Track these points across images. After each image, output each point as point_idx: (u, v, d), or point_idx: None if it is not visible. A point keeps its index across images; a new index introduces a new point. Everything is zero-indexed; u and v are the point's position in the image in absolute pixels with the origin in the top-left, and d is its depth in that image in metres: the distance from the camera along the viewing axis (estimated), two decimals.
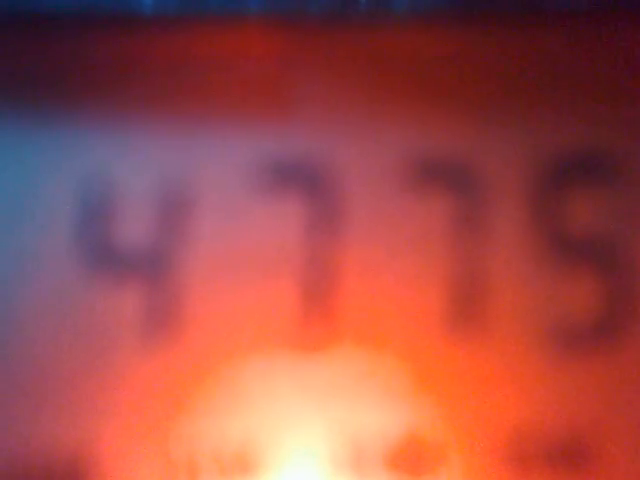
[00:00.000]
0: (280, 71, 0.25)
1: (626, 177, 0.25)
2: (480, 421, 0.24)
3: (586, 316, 0.25)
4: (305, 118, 0.25)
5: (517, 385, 0.24)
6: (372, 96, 0.25)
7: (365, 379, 0.25)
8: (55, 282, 0.24)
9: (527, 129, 0.25)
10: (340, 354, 0.25)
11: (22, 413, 0.24)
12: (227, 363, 0.24)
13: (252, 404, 0.24)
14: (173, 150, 0.25)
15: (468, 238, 0.25)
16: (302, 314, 0.24)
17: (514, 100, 0.25)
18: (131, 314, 0.24)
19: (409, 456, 0.24)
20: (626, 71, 0.25)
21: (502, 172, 0.25)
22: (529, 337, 0.24)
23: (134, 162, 0.25)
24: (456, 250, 0.25)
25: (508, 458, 0.24)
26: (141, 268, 0.24)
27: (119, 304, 0.24)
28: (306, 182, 0.25)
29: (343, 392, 0.25)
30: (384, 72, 0.25)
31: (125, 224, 0.25)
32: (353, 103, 0.25)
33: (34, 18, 0.24)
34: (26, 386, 0.24)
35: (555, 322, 0.24)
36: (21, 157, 0.25)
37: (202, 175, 0.25)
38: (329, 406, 0.24)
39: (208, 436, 0.24)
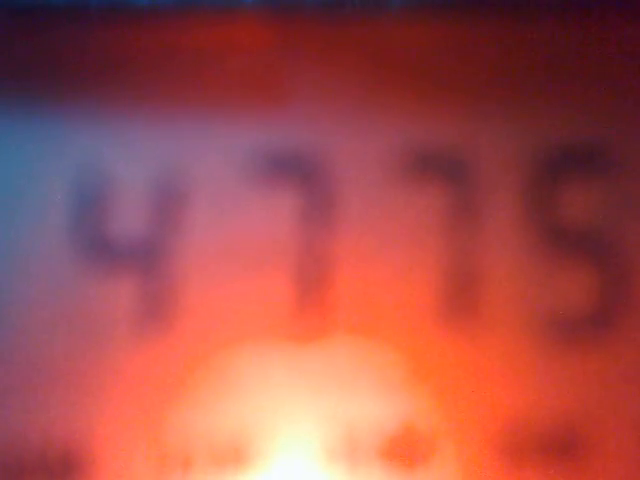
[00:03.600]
0: (275, 63, 0.25)
1: (620, 169, 0.25)
2: (474, 412, 0.24)
3: (580, 307, 0.25)
4: (300, 110, 0.25)
5: (511, 376, 0.24)
6: (367, 88, 0.25)
7: (359, 370, 0.25)
8: (49, 273, 0.24)
9: (522, 121, 0.25)
10: (334, 345, 0.25)
11: (15, 404, 0.24)
12: (221, 354, 0.24)
13: (246, 394, 0.24)
14: (168, 141, 0.25)
15: (462, 229, 0.25)
16: (296, 305, 0.24)
17: (509, 92, 0.25)
18: (125, 305, 0.24)
19: (403, 447, 0.24)
20: (621, 63, 0.25)
21: (497, 163, 0.25)
22: (523, 328, 0.24)
23: (129, 153, 0.25)
24: (450, 241, 0.25)
25: (502, 449, 0.24)
26: (135, 259, 0.24)
27: (113, 295, 0.24)
28: (301, 173, 0.25)
29: (337, 383, 0.25)
30: (379, 64, 0.25)
31: (120, 215, 0.25)
32: (348, 95, 0.25)
33: (28, 8, 0.24)
34: (19, 377, 0.24)
35: (549, 313, 0.25)
36: (15, 148, 0.25)
37: (196, 166, 0.25)
38: (323, 397, 0.24)
39: (202, 426, 0.24)
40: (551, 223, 0.25)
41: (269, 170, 0.25)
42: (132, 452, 0.24)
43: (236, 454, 0.24)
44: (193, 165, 0.25)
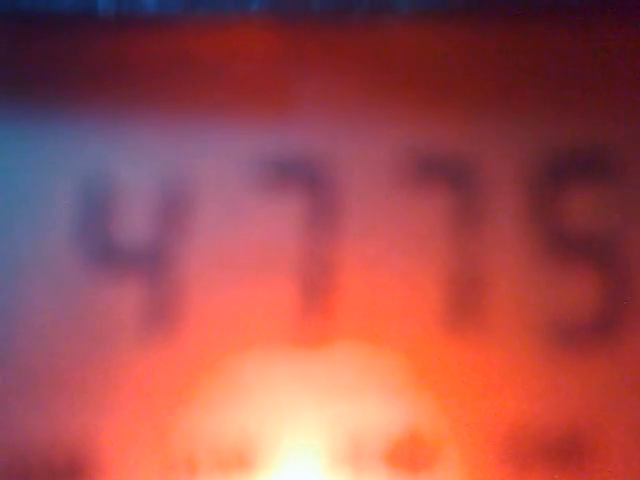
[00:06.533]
0: (281, 69, 0.25)
1: (624, 173, 0.25)
2: (478, 417, 0.24)
3: (584, 312, 0.25)
4: (304, 115, 0.25)
5: (515, 381, 0.24)
6: (371, 94, 0.25)
7: (364, 375, 0.25)
8: (55, 278, 0.24)
9: (525, 125, 0.25)
10: (339, 350, 0.25)
11: (21, 408, 0.24)
12: (226, 359, 0.25)
13: (251, 400, 0.25)
14: (173, 147, 0.25)
15: (467, 234, 0.25)
16: (301, 310, 0.25)
17: (512, 96, 0.25)
18: (131, 310, 0.24)
19: (407, 452, 0.24)
20: (624, 69, 0.25)
21: (500, 168, 0.25)
22: (527, 333, 0.25)
23: (134, 159, 0.25)
24: (455, 246, 0.25)
25: (506, 454, 0.24)
26: (141, 264, 0.25)
27: (119, 300, 0.24)
28: (305, 179, 0.25)
29: (342, 388, 0.25)
30: (383, 69, 0.25)
31: (125, 220, 0.25)
32: (353, 101, 0.25)
33: (34, 17, 0.24)
34: (25, 381, 0.24)
35: (553, 318, 0.25)
36: (21, 154, 0.25)
37: (202, 172, 0.25)
38: (328, 402, 0.25)
39: (207, 431, 0.24)
40: (555, 229, 0.25)
41: (274, 176, 0.25)
42: (137, 456, 0.24)
43: (241, 459, 0.24)
44: (199, 171, 0.25)
